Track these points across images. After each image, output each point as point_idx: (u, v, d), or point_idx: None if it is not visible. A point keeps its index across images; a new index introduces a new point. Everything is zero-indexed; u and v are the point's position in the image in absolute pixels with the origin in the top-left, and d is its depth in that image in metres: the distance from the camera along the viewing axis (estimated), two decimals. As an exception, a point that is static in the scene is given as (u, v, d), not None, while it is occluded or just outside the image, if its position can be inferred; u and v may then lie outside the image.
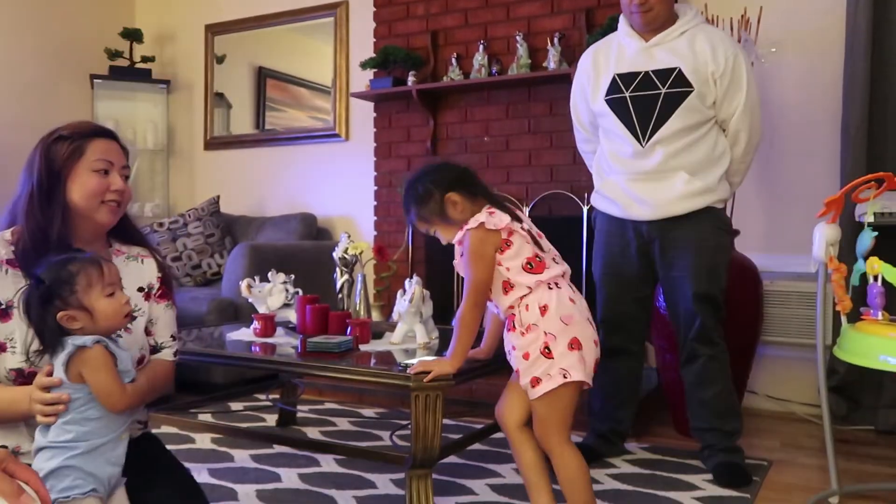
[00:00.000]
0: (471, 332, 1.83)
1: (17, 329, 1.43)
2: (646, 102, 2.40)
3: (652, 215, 2.43)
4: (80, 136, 1.49)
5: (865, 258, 2.03)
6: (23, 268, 1.46)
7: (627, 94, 2.42)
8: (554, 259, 1.85)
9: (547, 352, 1.74)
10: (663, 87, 2.37)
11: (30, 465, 1.41)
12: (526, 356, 1.77)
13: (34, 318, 1.34)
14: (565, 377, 1.73)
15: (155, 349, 1.58)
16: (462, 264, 1.85)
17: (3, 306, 1.43)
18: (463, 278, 1.86)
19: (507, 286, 1.80)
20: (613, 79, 2.46)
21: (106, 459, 1.33)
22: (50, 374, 1.33)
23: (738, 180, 2.54)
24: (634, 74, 2.42)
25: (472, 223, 1.80)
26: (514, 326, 1.81)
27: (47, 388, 1.32)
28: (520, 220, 1.83)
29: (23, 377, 1.41)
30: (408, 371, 1.88)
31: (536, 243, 1.84)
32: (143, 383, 1.42)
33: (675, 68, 2.37)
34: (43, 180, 1.46)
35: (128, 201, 1.55)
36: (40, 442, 1.32)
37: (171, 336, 1.61)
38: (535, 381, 1.76)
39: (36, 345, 1.38)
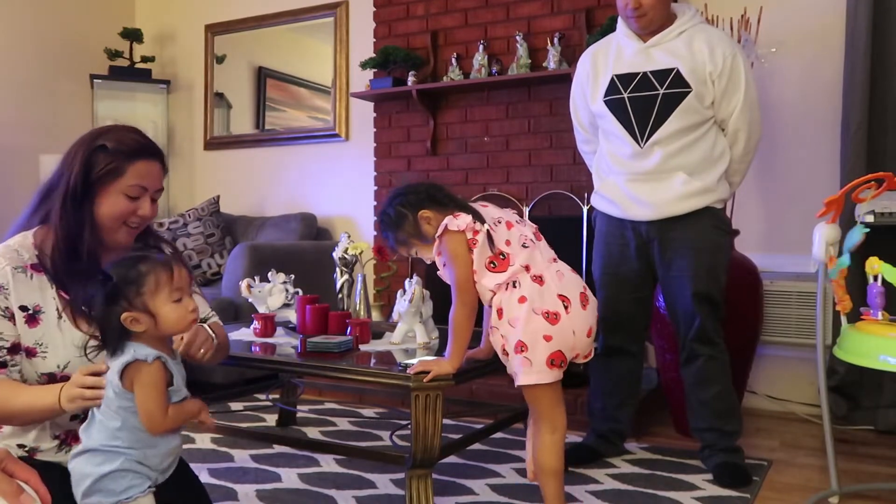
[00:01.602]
0: (464, 330, 1.87)
1: (46, 333, 1.43)
2: (644, 103, 2.39)
3: (651, 216, 2.43)
4: (123, 156, 1.47)
5: (852, 254, 2.04)
6: (48, 272, 1.46)
7: (626, 95, 2.42)
8: (524, 244, 1.85)
9: (505, 353, 1.84)
10: (661, 87, 2.37)
11: (55, 462, 1.43)
12: (503, 352, 1.87)
13: (97, 315, 1.33)
14: (514, 380, 1.83)
15: (203, 321, 1.69)
16: (446, 273, 1.89)
17: (31, 311, 1.43)
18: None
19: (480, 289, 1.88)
20: (612, 80, 2.46)
21: (151, 466, 1.34)
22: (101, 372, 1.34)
23: (738, 180, 2.53)
24: (633, 75, 2.42)
25: (440, 230, 1.85)
26: None
27: (93, 375, 1.34)
28: (483, 220, 1.84)
29: (54, 382, 1.42)
30: (408, 371, 1.88)
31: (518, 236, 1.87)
32: (187, 407, 1.40)
33: (672, 69, 2.37)
34: (78, 186, 1.45)
35: (150, 221, 1.57)
36: (87, 444, 1.32)
37: (210, 309, 1.76)
38: (513, 376, 1.85)
39: (94, 340, 1.38)
